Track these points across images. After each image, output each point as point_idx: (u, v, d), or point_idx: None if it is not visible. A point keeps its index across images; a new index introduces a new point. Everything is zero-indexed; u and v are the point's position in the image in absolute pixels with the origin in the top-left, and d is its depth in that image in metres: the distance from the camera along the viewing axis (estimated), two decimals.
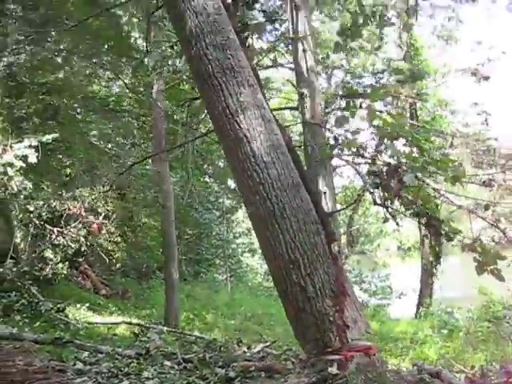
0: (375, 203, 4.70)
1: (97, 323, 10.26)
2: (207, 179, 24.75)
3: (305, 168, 5.73)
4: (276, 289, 4.23)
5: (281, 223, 3.83)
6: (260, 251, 26.17)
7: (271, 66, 12.64)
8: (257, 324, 12.69)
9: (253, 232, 28.88)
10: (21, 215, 10.69)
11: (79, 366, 5.71)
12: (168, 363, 6.05)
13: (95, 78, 14.49)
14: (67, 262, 12.57)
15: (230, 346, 7.43)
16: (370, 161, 4.79)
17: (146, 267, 17.96)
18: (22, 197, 10.63)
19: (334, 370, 4.63)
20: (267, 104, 4.44)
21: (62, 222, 12.28)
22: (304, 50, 8.52)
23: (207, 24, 4.20)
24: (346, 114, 5.34)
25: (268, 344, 7.21)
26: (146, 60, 9.45)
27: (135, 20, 12.28)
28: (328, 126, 10.36)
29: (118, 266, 14.83)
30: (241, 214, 27.83)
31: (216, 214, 24.39)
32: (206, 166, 23.19)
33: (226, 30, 4.30)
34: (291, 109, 13.41)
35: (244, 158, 3.96)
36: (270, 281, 22.13)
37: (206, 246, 23.44)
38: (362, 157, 4.95)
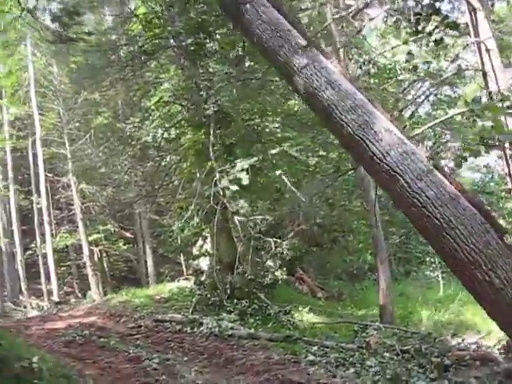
0: None
1: (320, 323, 11.16)
2: None
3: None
4: (468, 291, 4.50)
5: (451, 234, 4.17)
6: None
7: (454, 74, 12.31)
8: (470, 317, 12.42)
9: None
10: (242, 231, 12.06)
11: (310, 357, 6.56)
12: (387, 354, 6.62)
13: (290, 94, 15.55)
14: (285, 269, 13.76)
15: (444, 338, 7.69)
16: None
17: (357, 269, 18.59)
18: (240, 214, 11.98)
19: None
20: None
21: (279, 233, 13.54)
22: (487, 50, 8.36)
23: (336, 95, 4.75)
24: None
25: (482, 336, 7.35)
26: None
27: None
28: None
29: (330, 269, 15.60)
30: None
31: None
32: None
33: (351, 93, 4.83)
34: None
35: (402, 191, 4.43)
36: None
37: (414, 244, 23.26)
38: None
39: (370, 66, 11.68)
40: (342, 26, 14.76)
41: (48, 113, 24.54)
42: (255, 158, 11.66)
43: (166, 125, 18.36)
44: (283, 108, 15.84)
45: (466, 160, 4.69)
